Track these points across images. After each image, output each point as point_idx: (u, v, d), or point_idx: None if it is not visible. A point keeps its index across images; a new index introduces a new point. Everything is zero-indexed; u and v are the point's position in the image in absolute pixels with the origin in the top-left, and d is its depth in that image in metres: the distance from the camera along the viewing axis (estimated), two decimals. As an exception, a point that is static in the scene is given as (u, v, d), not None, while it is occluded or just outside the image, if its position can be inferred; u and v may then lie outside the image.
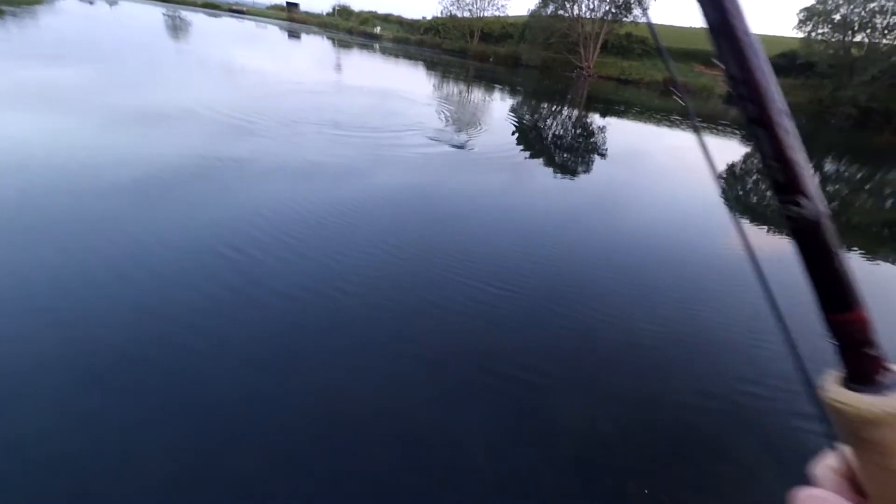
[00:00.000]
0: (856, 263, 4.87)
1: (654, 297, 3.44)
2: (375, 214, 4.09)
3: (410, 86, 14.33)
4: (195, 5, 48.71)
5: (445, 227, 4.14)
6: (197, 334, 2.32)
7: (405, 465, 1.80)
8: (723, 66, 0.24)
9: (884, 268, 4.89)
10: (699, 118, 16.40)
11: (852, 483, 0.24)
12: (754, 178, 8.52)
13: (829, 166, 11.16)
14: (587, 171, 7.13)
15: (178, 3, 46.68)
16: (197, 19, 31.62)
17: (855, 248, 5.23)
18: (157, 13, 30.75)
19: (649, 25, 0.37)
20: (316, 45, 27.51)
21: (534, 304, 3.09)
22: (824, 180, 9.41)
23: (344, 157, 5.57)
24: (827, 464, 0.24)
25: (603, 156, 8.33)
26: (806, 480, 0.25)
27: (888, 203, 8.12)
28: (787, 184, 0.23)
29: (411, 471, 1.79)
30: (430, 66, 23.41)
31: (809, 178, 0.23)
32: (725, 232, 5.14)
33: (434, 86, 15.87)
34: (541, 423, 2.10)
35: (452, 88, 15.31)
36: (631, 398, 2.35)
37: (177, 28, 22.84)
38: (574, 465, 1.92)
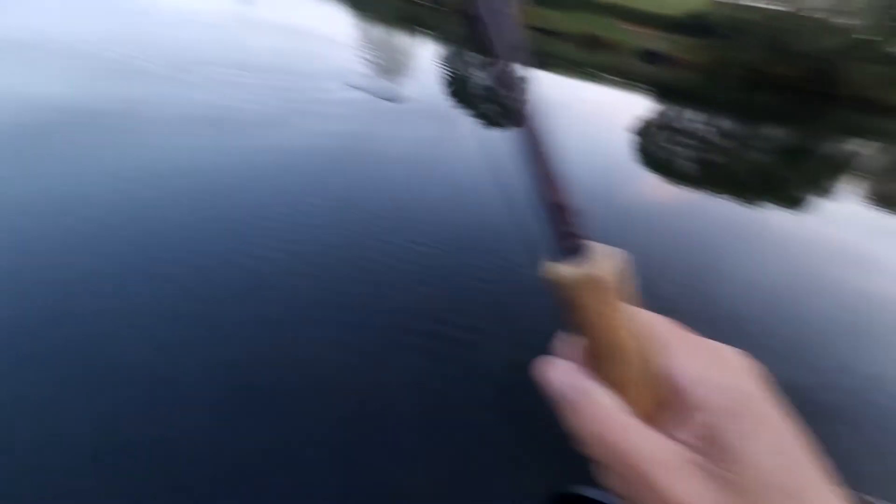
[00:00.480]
0: (733, 208, 5.67)
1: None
2: (291, 172, 3.83)
3: (331, 24, 13.11)
4: None
5: (370, 185, 4.04)
6: (88, 314, 2.11)
7: (337, 428, 1.88)
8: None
9: (757, 212, 5.74)
10: (618, 73, 17.03)
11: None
12: (664, 134, 9.32)
13: (722, 123, 12.49)
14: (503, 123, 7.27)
15: None
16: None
17: (737, 196, 6.06)
18: None
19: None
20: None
21: (458, 259, 3.16)
22: (719, 135, 10.56)
23: (255, 106, 5.03)
24: (563, 339, 0.29)
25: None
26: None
27: (763, 156, 9.39)
28: (499, 79, 0.27)
29: (341, 430, 1.86)
30: (351, 3, 21.46)
31: (515, 76, 0.27)
32: (634, 182, 5.63)
33: (356, 26, 14.70)
34: (466, 372, 2.25)
35: (375, 31, 14.30)
36: (546, 331, 2.60)
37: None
38: (495, 410, 2.07)
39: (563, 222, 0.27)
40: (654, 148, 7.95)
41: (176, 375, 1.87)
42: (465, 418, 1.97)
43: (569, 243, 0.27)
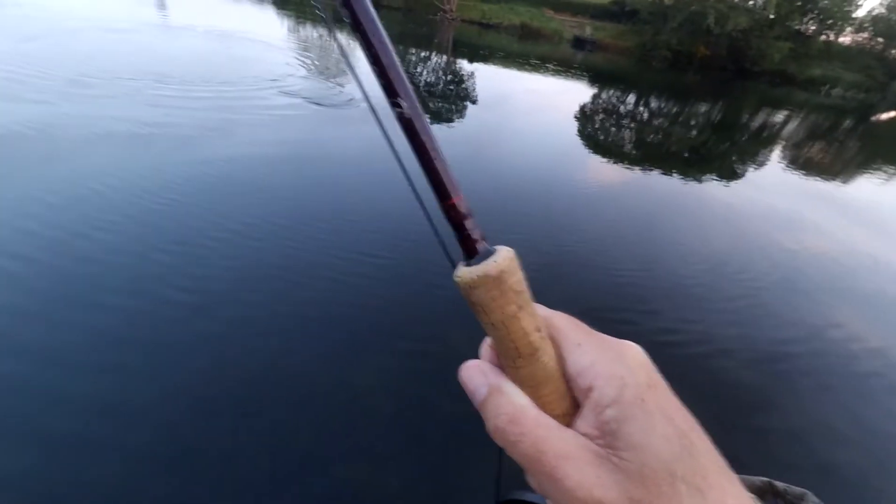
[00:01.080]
0: (671, 182, 6.03)
1: (527, 232, 3.82)
2: (220, 191, 3.58)
3: (260, 27, 12.51)
4: None
5: (314, 196, 3.92)
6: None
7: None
8: None
9: (691, 185, 6.14)
10: (554, 61, 17.63)
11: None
12: (600, 117, 9.73)
13: (653, 103, 13.24)
14: (462, 118, 7.29)
15: None
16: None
17: (673, 171, 6.44)
18: None
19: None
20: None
21: (413, 267, 3.11)
22: (651, 115, 11.19)
23: (178, 123, 4.64)
24: (487, 342, 0.30)
25: (475, 102, 8.57)
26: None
27: (692, 132, 10.06)
28: (387, 87, 0.27)
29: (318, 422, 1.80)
30: (280, 4, 20.61)
31: (403, 82, 0.27)
32: (581, 165, 5.85)
33: (288, 28, 14.15)
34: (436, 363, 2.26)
35: (309, 32, 13.83)
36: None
37: None
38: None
39: (460, 226, 0.28)
40: (594, 131, 8.28)
41: (125, 398, 1.71)
42: (436, 424, 1.95)
43: (468, 245, 0.28)
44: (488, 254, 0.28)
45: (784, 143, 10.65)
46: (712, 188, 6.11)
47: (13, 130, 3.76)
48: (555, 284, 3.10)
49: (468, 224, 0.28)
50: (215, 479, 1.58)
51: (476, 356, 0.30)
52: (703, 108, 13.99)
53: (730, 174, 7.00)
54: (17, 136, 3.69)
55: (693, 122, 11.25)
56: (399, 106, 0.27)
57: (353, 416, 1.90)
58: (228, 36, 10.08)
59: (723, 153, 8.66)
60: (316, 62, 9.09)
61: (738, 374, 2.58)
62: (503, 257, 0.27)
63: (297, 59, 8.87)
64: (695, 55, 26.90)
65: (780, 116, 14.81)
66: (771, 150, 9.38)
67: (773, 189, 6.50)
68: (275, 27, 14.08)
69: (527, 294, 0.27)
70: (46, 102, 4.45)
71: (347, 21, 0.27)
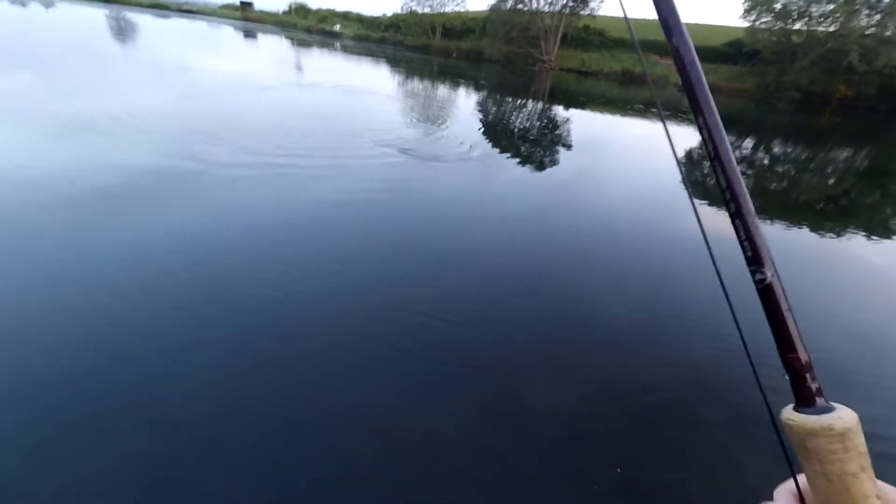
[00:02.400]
0: (800, 237, 5.22)
1: (621, 280, 3.57)
2: (341, 221, 4.03)
3: (384, 86, 14.15)
4: (141, 5, 46.13)
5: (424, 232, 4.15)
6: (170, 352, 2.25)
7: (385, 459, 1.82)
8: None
9: (828, 240, 5.24)
10: (656, 108, 16.98)
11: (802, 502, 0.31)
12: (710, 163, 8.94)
13: (777, 148, 11.83)
14: (555, 162, 7.28)
15: (122, 3, 44.11)
16: (143, 21, 30.01)
17: (802, 224, 5.59)
18: (100, 15, 29.00)
19: (625, 19, 0.41)
20: (276, 46, 26.66)
21: (506, 296, 3.14)
22: (773, 161, 9.98)
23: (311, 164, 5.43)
24: (784, 487, 0.31)
25: (569, 147, 8.52)
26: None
27: (829, 180, 8.70)
28: (751, 258, 0.32)
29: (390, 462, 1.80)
30: (397, 64, 23.17)
31: (767, 252, 0.32)
32: (686, 214, 5.37)
33: (416, 91, 15.74)
34: (515, 409, 2.16)
35: (435, 90, 15.23)
36: (599, 381, 2.44)
37: (122, 30, 21.61)
38: (549, 446, 1.98)
39: (800, 373, 0.31)
40: (702, 177, 7.62)
41: (237, 419, 1.90)
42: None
43: (805, 394, 0.31)
44: (828, 409, 0.30)
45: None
46: (857, 245, 5.15)
47: (189, 166, 4.69)
48: (649, 344, 2.82)
49: (808, 375, 0.31)
50: None
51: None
52: (843, 153, 12.10)
53: (882, 230, 5.85)
54: (175, 176, 4.59)
55: (830, 170, 9.76)
56: (761, 275, 0.33)
57: (431, 462, 1.88)
58: (359, 92, 11.48)
59: (872, 205, 7.32)
60: (420, 115, 9.86)
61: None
62: (850, 416, 0.29)
63: (408, 112, 9.74)
64: (832, 95, 23.74)
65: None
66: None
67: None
68: (405, 88, 15.70)
69: (869, 459, 0.29)
70: (213, 146, 5.50)
71: (729, 208, 0.34)
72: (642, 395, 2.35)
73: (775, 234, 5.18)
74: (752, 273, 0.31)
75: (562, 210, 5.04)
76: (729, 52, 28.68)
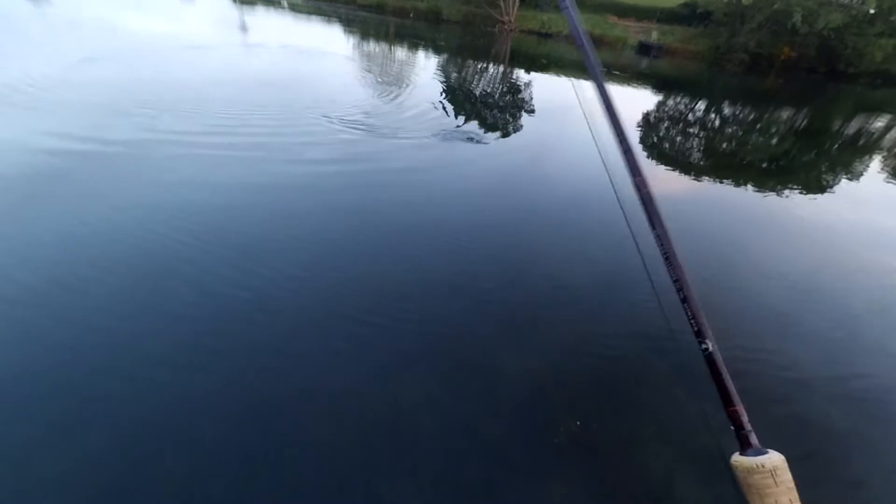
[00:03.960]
0: (745, 195, 5.54)
1: (578, 245, 3.68)
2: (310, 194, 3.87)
3: (336, 48, 13.33)
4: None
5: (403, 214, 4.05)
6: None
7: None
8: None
9: (771, 198, 5.60)
10: (616, 70, 17.12)
11: None
12: (666, 125, 9.21)
13: (727, 110, 12.30)
14: (517, 129, 7.23)
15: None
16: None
17: (748, 183, 5.92)
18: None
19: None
20: (216, 4, 24.35)
21: (468, 265, 3.17)
22: (723, 123, 10.40)
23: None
24: None
25: (531, 112, 8.48)
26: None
27: (772, 140, 9.20)
28: (697, 332, 0.61)
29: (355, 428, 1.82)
30: (351, 24, 21.85)
31: (707, 328, 0.59)
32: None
33: (372, 54, 14.93)
34: (480, 375, 2.23)
35: (392, 54, 14.50)
36: (561, 344, 2.55)
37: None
38: (514, 408, 2.07)
39: (740, 426, 0.49)
40: (658, 140, 7.85)
41: (198, 399, 1.85)
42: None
43: (744, 440, 0.43)
44: (762, 452, 0.38)
45: (886, 152, 9.41)
46: (795, 202, 5.53)
47: (106, 147, 4.29)
48: (612, 301, 2.95)
49: (746, 425, 0.45)
50: (258, 489, 1.66)
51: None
52: (785, 114, 12.76)
53: (817, 187, 6.30)
54: (112, 155, 4.21)
55: (773, 130, 10.29)
56: (705, 345, 0.59)
57: (399, 433, 1.92)
58: (305, 53, 10.77)
59: (809, 163, 7.83)
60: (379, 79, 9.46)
61: (827, 412, 2.28)
62: (778, 457, 0.33)
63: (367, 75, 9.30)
64: (777, 57, 24.72)
65: (881, 122, 13.12)
66: (869, 161, 8.32)
67: (871, 205, 5.75)
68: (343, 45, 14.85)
69: (796, 493, 0.43)
70: (146, 117, 5.04)
71: (680, 296, 0.70)
72: (599, 354, 2.48)
73: (724, 193, 5.47)
74: (699, 343, 0.52)
75: (523, 178, 5.06)
76: (684, 12, 28.96)
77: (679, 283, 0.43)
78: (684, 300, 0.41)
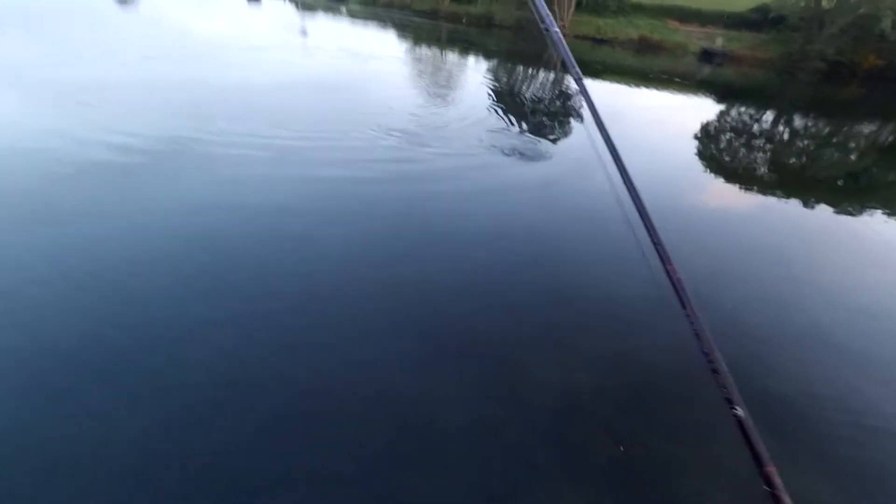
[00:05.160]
0: (816, 213, 5.09)
1: (628, 258, 3.53)
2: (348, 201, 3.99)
3: (391, 53, 13.72)
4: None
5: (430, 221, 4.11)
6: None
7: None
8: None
9: (844, 218, 5.11)
10: (676, 77, 16.34)
11: None
12: (728, 136, 8.67)
13: (798, 121, 11.40)
14: (566, 135, 7.09)
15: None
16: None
17: (820, 201, 5.44)
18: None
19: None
20: (280, 10, 25.79)
21: (512, 275, 3.13)
22: (794, 135, 9.64)
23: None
24: None
25: (581, 119, 8.27)
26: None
27: (850, 156, 8.41)
28: (729, 400, 0.53)
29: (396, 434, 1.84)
30: (405, 29, 22.38)
31: (739, 396, 0.50)
32: (699, 188, 5.25)
33: (425, 59, 15.26)
34: (518, 383, 2.19)
35: (444, 59, 14.74)
36: (602, 356, 2.46)
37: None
38: (548, 419, 2.01)
39: (770, 481, 0.45)
40: (718, 151, 7.40)
41: (246, 389, 1.96)
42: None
43: (776, 498, 0.47)
44: None
45: None
46: (875, 223, 5.02)
47: (162, 144, 4.64)
48: (651, 320, 2.81)
49: (778, 485, 0.44)
50: (283, 479, 1.73)
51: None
52: (867, 128, 11.63)
53: (902, 208, 5.68)
54: (173, 152, 4.54)
55: (852, 145, 9.41)
56: (736, 414, 0.48)
57: (432, 438, 1.93)
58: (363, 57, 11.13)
59: (893, 183, 7.09)
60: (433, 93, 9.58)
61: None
62: None
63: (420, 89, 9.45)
64: (860, 65, 22.60)
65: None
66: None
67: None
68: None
69: None
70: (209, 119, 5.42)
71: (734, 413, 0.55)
72: (643, 370, 2.37)
73: (791, 210, 5.06)
74: (731, 409, 0.45)
75: (571, 188, 4.94)
76: (754, 17, 27.16)
77: (710, 357, 0.50)
78: (715, 371, 0.47)
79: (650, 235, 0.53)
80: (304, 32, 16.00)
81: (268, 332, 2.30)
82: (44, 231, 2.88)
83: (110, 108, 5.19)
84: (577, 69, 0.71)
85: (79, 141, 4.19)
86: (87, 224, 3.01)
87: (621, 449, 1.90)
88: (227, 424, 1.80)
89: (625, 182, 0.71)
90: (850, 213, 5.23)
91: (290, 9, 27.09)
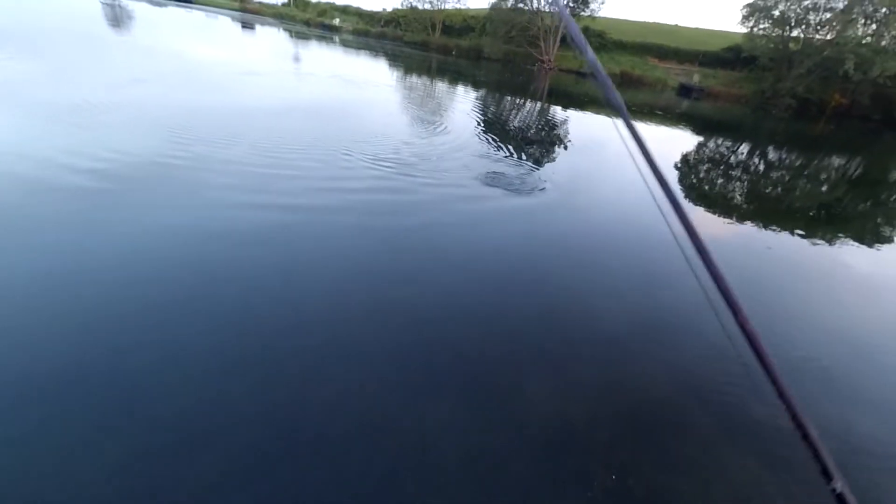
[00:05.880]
0: (791, 242, 5.26)
1: (618, 283, 3.57)
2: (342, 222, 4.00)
3: (382, 80, 14.07)
4: (137, -7, 45.32)
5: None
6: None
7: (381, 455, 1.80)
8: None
9: (821, 247, 5.29)
10: (657, 109, 17.05)
11: None
12: (706, 167, 9.00)
13: (772, 154, 11.92)
14: (552, 161, 7.27)
15: (117, -10, 43.34)
16: (139, 8, 29.56)
17: (794, 230, 5.64)
18: (95, 2, 28.53)
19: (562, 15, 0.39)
20: (273, 38, 26.39)
21: (502, 297, 3.14)
22: (769, 167, 10.05)
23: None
24: None
25: (566, 147, 8.51)
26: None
27: (822, 187, 8.79)
28: (824, 471, 0.49)
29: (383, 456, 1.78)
30: (396, 59, 23.04)
31: (833, 464, 0.48)
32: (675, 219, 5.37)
33: (415, 87, 15.66)
34: (510, 409, 2.15)
35: (433, 88, 15.14)
36: (595, 384, 2.44)
37: (117, 18, 21.28)
38: (543, 448, 1.98)
39: (837, 493, 0.44)
40: (698, 181, 7.66)
41: (232, 409, 1.88)
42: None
43: None
44: None
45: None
46: (848, 253, 5.20)
47: (161, 160, 4.62)
48: (645, 348, 2.82)
49: (843, 495, 0.43)
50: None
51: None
52: (836, 161, 12.22)
53: (873, 238, 5.91)
54: (168, 166, 4.52)
55: (824, 177, 9.85)
56: (833, 486, 0.45)
57: (425, 465, 1.87)
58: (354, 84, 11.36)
59: (864, 214, 7.40)
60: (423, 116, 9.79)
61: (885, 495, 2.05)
62: None
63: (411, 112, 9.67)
64: (827, 103, 23.97)
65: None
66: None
67: (936, 260, 5.32)
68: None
69: None
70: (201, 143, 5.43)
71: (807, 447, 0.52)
72: (636, 399, 2.36)
73: (767, 238, 5.22)
74: (827, 483, 0.46)
75: (558, 212, 5.03)
76: (727, 56, 28.81)
77: (797, 420, 0.39)
78: (805, 437, 0.37)
79: (717, 284, 0.46)
80: (296, 59, 16.36)
81: (253, 361, 2.23)
82: (5, 260, 2.80)
83: (91, 131, 5.16)
84: (626, 111, 0.68)
85: (46, 163, 4.13)
86: (55, 252, 2.94)
87: (613, 477, 1.86)
88: (208, 459, 1.72)
89: (675, 209, 0.62)
90: (826, 242, 5.41)
91: (284, 37, 27.76)
